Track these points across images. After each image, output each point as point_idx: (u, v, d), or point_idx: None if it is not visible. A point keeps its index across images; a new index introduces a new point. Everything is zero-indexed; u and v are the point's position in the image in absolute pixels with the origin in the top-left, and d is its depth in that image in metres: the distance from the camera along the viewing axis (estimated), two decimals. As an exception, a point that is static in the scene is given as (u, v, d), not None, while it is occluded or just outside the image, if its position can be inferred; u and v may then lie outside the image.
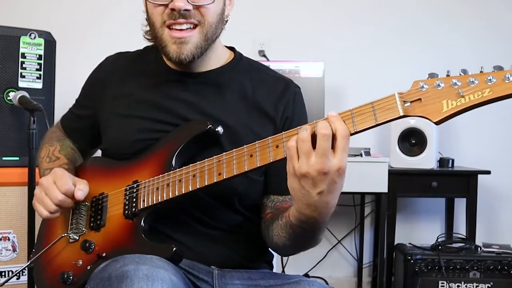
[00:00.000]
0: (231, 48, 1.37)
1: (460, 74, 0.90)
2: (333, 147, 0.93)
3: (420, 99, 0.92)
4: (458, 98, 0.89)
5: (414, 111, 0.92)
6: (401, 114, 0.92)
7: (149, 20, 1.24)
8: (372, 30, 3.21)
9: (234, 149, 1.07)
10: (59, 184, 1.18)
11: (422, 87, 0.92)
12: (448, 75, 0.91)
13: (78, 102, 1.44)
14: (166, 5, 1.18)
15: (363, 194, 3.14)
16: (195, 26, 1.20)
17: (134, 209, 1.17)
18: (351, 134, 0.95)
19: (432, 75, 0.92)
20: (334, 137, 0.93)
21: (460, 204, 3.08)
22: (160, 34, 1.20)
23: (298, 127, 0.99)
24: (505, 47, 3.21)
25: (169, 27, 1.19)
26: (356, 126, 0.95)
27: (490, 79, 0.87)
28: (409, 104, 0.92)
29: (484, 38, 3.22)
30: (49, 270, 1.24)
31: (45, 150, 1.41)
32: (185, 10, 1.16)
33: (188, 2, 1.17)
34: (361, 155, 2.70)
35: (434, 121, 0.91)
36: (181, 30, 1.18)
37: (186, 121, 1.23)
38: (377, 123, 0.94)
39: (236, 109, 1.26)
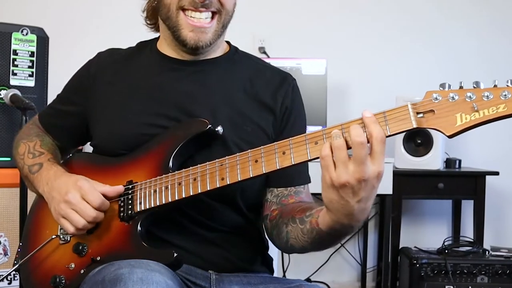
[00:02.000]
0: (226, 42, 1.38)
1: (473, 87, 0.91)
2: (370, 151, 0.92)
3: (433, 110, 0.93)
4: (473, 112, 0.90)
5: (427, 123, 0.93)
6: (414, 126, 0.93)
7: (163, 3, 1.23)
8: (376, 26, 3.22)
9: (237, 154, 1.07)
10: (90, 200, 1.14)
11: (436, 98, 0.93)
12: (461, 87, 0.92)
13: (63, 97, 1.41)
14: None
15: (367, 196, 3.13)
16: (213, 14, 1.22)
17: (130, 212, 1.16)
18: None
19: (443, 86, 0.93)
20: (369, 141, 0.92)
21: (468, 206, 3.09)
22: (175, 17, 1.22)
23: (305, 134, 0.99)
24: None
25: (184, 11, 1.20)
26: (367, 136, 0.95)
27: (505, 95, 0.88)
28: (422, 115, 0.93)
29: (492, 36, 3.23)
30: (39, 274, 1.24)
31: (23, 146, 1.37)
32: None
33: None
34: (365, 155, 2.70)
35: (448, 134, 0.91)
36: (199, 18, 1.20)
37: (183, 113, 1.23)
38: (389, 134, 0.94)
39: (235, 98, 1.26)
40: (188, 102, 1.24)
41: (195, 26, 1.21)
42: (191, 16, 1.21)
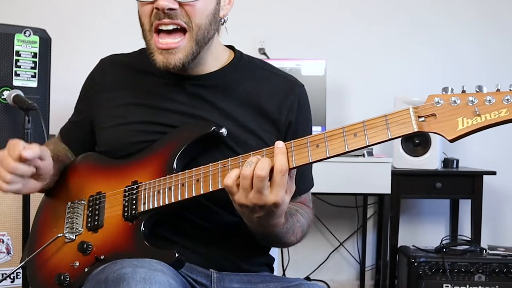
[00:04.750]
0: (231, 47, 1.35)
1: (476, 91, 0.90)
2: (271, 180, 0.99)
3: (434, 114, 0.92)
4: (474, 116, 0.89)
5: (428, 127, 0.93)
6: (416, 129, 0.93)
7: (140, 22, 1.23)
8: (375, 27, 3.22)
9: (240, 155, 1.07)
10: (9, 150, 1.13)
11: (438, 102, 0.92)
12: (463, 91, 0.91)
13: (75, 109, 1.43)
14: (152, 3, 1.16)
15: (365, 196, 3.14)
16: (184, 32, 1.18)
17: (134, 212, 1.16)
18: (363, 148, 0.97)
19: (446, 90, 0.93)
20: (272, 171, 0.98)
21: (465, 206, 3.09)
22: (148, 40, 1.20)
23: (307, 137, 1.01)
24: (511, 45, 3.22)
25: (157, 32, 1.18)
26: (368, 139, 0.96)
27: (507, 99, 0.87)
28: (423, 119, 0.93)
29: (490, 37, 3.23)
30: (44, 271, 1.24)
31: None
32: (170, 9, 1.15)
33: (174, 0, 1.15)
34: (363, 155, 2.70)
35: (449, 138, 0.91)
36: (168, 35, 1.17)
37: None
38: (390, 137, 0.94)
39: (238, 112, 1.25)
40: (189, 117, 1.23)
41: (162, 49, 1.17)
42: (160, 33, 1.18)
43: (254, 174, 0.98)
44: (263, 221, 1.05)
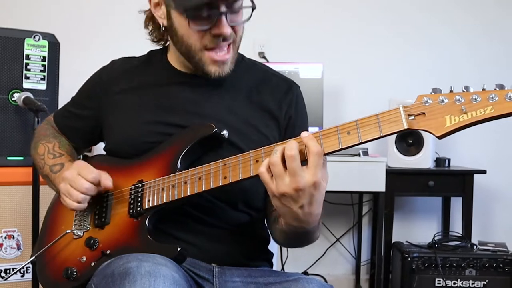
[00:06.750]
0: None
1: (463, 91, 0.92)
2: (306, 163, 0.97)
3: (423, 113, 0.94)
4: (461, 114, 0.91)
5: (418, 124, 0.94)
6: (406, 127, 0.94)
7: (182, 40, 1.22)
8: (372, 32, 3.22)
9: (239, 154, 1.08)
10: (84, 174, 1.19)
11: (426, 101, 0.94)
12: (451, 91, 0.93)
13: (77, 101, 1.42)
14: (206, 30, 1.18)
15: (361, 193, 3.14)
16: (229, 44, 1.22)
17: (139, 209, 1.17)
18: (356, 145, 0.98)
19: (435, 90, 0.94)
20: (307, 155, 0.97)
21: (456, 203, 3.09)
22: (199, 57, 1.22)
23: (299, 136, 1.01)
24: (503, 49, 3.22)
25: (208, 49, 1.20)
26: (361, 137, 0.97)
27: (492, 97, 0.89)
28: (413, 117, 0.95)
29: (484, 40, 3.23)
30: (52, 266, 1.25)
31: (42, 147, 1.38)
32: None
33: (229, 25, 1.18)
34: (359, 154, 2.71)
35: (437, 135, 0.93)
36: (219, 48, 1.20)
37: (190, 123, 1.23)
38: (381, 135, 0.96)
39: (242, 108, 1.27)
40: (195, 113, 1.25)
41: (218, 62, 1.21)
42: (215, 53, 1.20)
43: (285, 155, 0.96)
44: (305, 211, 1.00)
